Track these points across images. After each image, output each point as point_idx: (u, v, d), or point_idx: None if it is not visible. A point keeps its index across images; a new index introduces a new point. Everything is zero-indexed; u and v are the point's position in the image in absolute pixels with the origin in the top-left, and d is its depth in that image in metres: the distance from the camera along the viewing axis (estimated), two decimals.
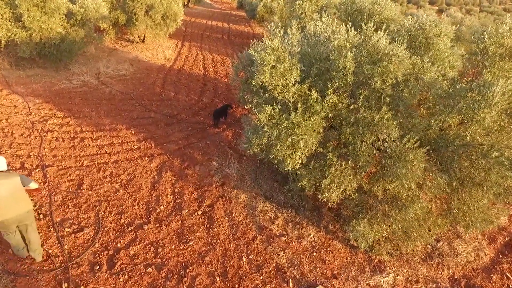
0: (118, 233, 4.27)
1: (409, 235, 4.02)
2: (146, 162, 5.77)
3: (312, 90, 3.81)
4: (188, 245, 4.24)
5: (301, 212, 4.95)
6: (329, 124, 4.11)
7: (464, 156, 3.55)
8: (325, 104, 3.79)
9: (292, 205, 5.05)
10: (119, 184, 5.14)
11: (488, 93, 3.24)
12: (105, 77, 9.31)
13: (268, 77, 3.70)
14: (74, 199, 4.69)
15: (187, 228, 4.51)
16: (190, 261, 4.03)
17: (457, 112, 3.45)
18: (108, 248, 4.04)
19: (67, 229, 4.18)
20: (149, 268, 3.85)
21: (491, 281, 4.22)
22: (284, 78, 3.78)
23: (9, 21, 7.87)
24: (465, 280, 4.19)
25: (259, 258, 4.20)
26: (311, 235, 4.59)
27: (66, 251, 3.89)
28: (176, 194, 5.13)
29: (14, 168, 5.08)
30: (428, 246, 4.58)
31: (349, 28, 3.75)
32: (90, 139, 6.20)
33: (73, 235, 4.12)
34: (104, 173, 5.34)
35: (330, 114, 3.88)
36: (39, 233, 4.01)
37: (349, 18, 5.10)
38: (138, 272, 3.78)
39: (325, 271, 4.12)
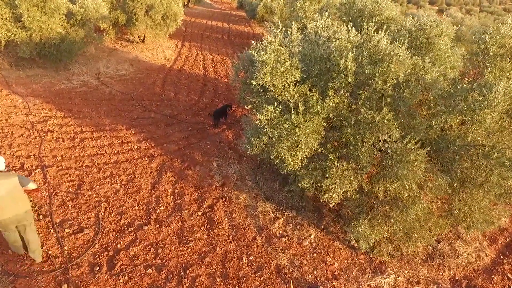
0: (118, 234, 4.26)
1: (410, 236, 4.01)
2: (146, 163, 5.75)
3: (313, 91, 3.80)
4: (188, 246, 4.23)
5: (301, 212, 4.94)
6: (329, 124, 4.10)
7: (465, 157, 3.54)
8: (325, 104, 3.77)
9: (293, 205, 5.04)
10: (119, 184, 5.13)
11: (489, 93, 3.22)
12: (105, 77, 9.30)
13: (268, 78, 3.68)
14: (74, 200, 4.68)
15: (187, 228, 4.50)
16: (191, 262, 4.02)
17: (458, 113, 3.44)
18: (108, 249, 4.02)
19: (67, 230, 4.17)
20: (149, 269, 3.84)
21: (492, 282, 4.21)
22: (285, 79, 3.77)
23: (9, 21, 7.86)
24: (466, 281, 4.18)
25: (260, 259, 4.18)
26: (312, 236, 4.58)
27: (66, 252, 3.88)
28: (176, 194, 5.12)
29: (14, 168, 5.07)
30: (429, 247, 4.57)
31: (350, 28, 3.74)
32: (90, 139, 6.18)
33: (73, 236, 4.10)
34: (104, 173, 5.33)
35: (330, 115, 3.87)
36: (38, 234, 4.00)
37: (350, 18, 5.08)
38: (138, 273, 3.77)
39: (325, 272, 4.11)
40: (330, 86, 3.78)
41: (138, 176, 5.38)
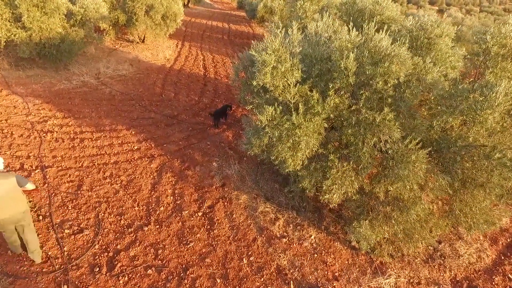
0: (118, 234, 4.24)
1: (411, 236, 4.00)
2: (146, 163, 5.74)
3: (313, 91, 3.79)
4: (188, 246, 4.22)
5: (302, 213, 4.92)
6: (330, 125, 4.09)
7: (466, 157, 3.53)
8: (326, 105, 3.76)
9: (293, 206, 5.03)
10: (119, 185, 5.12)
11: (490, 94, 3.21)
12: (105, 77, 9.29)
13: (269, 78, 3.67)
14: (74, 200, 4.66)
15: (188, 229, 4.49)
16: (191, 262, 4.01)
17: (459, 113, 3.43)
18: (108, 249, 4.01)
19: (66, 231, 4.16)
20: (149, 270, 3.83)
21: (493, 283, 4.19)
22: (285, 79, 3.76)
23: (9, 21, 7.85)
24: (467, 282, 4.17)
25: (260, 259, 4.17)
26: (312, 237, 4.57)
27: (65, 253, 3.87)
28: (176, 195, 5.11)
29: (13, 169, 5.06)
30: (429, 247, 4.55)
31: (350, 28, 3.73)
32: (90, 139, 6.17)
33: (72, 237, 4.09)
34: (104, 174, 5.31)
35: (331, 115, 3.86)
36: (38, 234, 3.99)
37: (350, 18, 5.07)
38: (138, 274, 3.76)
39: (326, 272, 4.10)
40: (330, 87, 3.76)
41: (138, 177, 5.37)
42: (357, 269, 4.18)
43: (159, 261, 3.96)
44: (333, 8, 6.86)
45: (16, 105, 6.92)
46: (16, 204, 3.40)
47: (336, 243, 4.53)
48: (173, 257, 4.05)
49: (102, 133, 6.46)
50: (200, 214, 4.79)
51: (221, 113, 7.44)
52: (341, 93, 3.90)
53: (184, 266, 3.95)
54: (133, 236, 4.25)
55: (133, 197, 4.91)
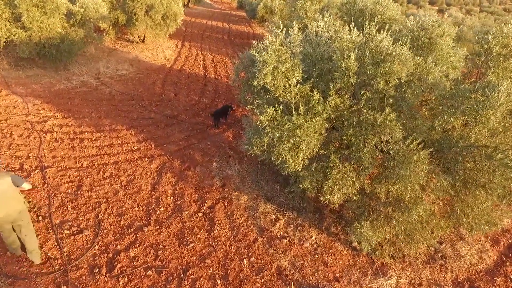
0: (117, 235, 4.22)
1: (412, 237, 3.98)
2: (146, 163, 5.72)
3: (314, 91, 3.77)
4: (188, 247, 4.20)
5: (302, 214, 4.90)
6: (331, 125, 4.07)
7: (468, 158, 3.51)
8: (327, 105, 3.74)
9: (294, 206, 5.01)
10: (119, 185, 5.10)
11: (492, 94, 3.19)
12: (105, 77, 9.27)
13: (269, 78, 3.65)
14: (74, 201, 4.64)
15: (188, 230, 4.47)
16: (191, 263, 3.99)
17: (461, 113, 3.41)
18: (108, 250, 3.99)
19: (66, 231, 4.14)
20: (149, 271, 3.81)
21: (495, 284, 4.17)
22: (286, 79, 3.74)
23: (9, 21, 7.83)
24: (468, 283, 4.15)
25: (260, 260, 4.15)
26: (313, 237, 4.55)
27: (65, 254, 3.85)
28: (177, 195, 5.09)
29: (13, 169, 5.04)
30: (431, 248, 4.54)
31: (351, 28, 3.71)
32: (89, 140, 6.15)
33: (72, 237, 4.07)
34: (104, 174, 5.29)
35: (332, 115, 3.84)
36: (37, 235, 3.97)
37: (351, 18, 5.05)
38: (138, 275, 3.74)
39: (327, 273, 4.08)
40: (331, 87, 3.74)
41: (138, 177, 5.35)
42: (358, 270, 4.16)
43: (159, 262, 3.95)
44: (333, 8, 6.85)
45: (16, 105, 6.90)
46: (11, 204, 3.38)
47: (337, 244, 4.51)
48: (173, 258, 4.03)
49: (102, 133, 6.44)
50: (200, 214, 4.77)
51: (221, 113, 7.42)
52: (342, 93, 3.88)
53: (184, 267, 3.93)
54: (133, 236, 4.23)
55: (133, 198, 4.89)
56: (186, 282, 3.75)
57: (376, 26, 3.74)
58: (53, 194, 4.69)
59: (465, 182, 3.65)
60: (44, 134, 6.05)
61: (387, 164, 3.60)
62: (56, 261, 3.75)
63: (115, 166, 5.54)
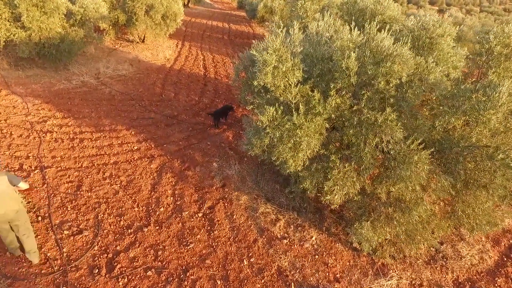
0: (117, 235, 4.21)
1: (413, 237, 3.96)
2: (146, 163, 5.71)
3: (315, 91, 3.76)
4: (188, 248, 4.18)
5: (303, 214, 4.89)
6: (331, 125, 4.06)
7: (469, 158, 3.50)
8: (327, 105, 3.73)
9: (294, 207, 5.00)
10: (118, 185, 5.09)
11: (493, 94, 3.18)
12: (105, 77, 9.26)
13: (270, 78, 3.64)
14: (73, 201, 4.63)
15: (188, 230, 4.45)
16: (191, 264, 3.97)
17: (462, 113, 3.40)
18: (108, 251, 3.98)
19: (66, 232, 4.13)
20: (149, 272, 3.79)
21: (496, 285, 4.16)
22: (286, 79, 3.73)
23: (8, 21, 7.82)
24: (469, 283, 4.14)
25: (261, 261, 4.14)
26: (313, 238, 4.53)
27: (64, 254, 3.83)
28: (177, 196, 5.07)
29: (12, 169, 5.02)
30: (431, 249, 4.52)
31: (352, 28, 3.70)
32: (89, 140, 6.14)
33: (72, 238, 4.06)
34: (104, 174, 5.28)
35: (332, 115, 3.82)
36: (37, 235, 3.96)
37: (352, 18, 5.04)
38: (138, 276, 3.73)
39: (327, 274, 4.06)
40: (332, 87, 3.73)
41: (138, 177, 5.34)
42: (359, 271, 4.14)
43: (159, 263, 3.93)
44: (334, 7, 6.83)
45: (16, 105, 6.89)
46: (8, 203, 3.36)
47: (338, 244, 4.50)
48: (173, 258, 4.02)
49: (101, 133, 6.43)
50: (200, 215, 4.75)
51: (221, 113, 7.40)
52: (343, 93, 3.86)
53: (184, 268, 3.91)
54: (132, 237, 4.22)
55: (133, 198, 4.88)
56: (186, 282, 3.74)
57: (376, 26, 3.73)
58: (52, 194, 4.68)
59: (466, 182, 3.64)
60: (43, 134, 6.03)
61: (388, 164, 3.58)
62: (55, 261, 3.74)
63: (115, 166, 5.53)
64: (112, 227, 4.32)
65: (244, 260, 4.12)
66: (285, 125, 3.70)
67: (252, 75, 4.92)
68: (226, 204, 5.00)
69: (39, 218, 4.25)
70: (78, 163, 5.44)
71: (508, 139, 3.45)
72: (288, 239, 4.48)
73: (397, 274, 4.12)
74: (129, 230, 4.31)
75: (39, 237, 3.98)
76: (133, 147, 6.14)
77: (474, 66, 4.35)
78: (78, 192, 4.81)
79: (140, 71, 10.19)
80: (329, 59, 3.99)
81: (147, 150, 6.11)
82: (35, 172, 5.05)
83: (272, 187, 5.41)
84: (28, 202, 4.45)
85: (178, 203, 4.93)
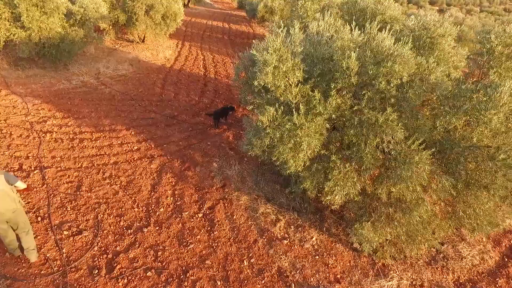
0: (117, 236, 4.20)
1: (414, 238, 3.95)
2: (146, 164, 5.70)
3: (315, 91, 3.74)
4: (188, 248, 4.17)
5: (303, 214, 4.88)
6: (332, 125, 4.05)
7: (470, 158, 3.48)
8: (328, 105, 3.71)
9: (294, 207, 4.98)
10: (118, 186, 5.08)
11: (495, 94, 3.17)
12: (105, 77, 9.25)
13: (270, 78, 3.63)
14: (73, 201, 4.62)
15: (188, 231, 4.44)
16: (191, 264, 3.96)
17: (463, 113, 3.38)
18: (107, 251, 3.97)
19: (65, 232, 4.11)
20: (149, 272, 3.78)
21: (497, 285, 4.15)
22: (287, 79, 3.71)
23: (8, 21, 7.81)
24: (470, 284, 4.12)
25: (261, 261, 4.13)
26: (314, 238, 4.52)
27: (64, 255, 3.82)
28: (176, 196, 5.06)
29: (12, 169, 5.01)
30: (432, 249, 4.51)
31: (352, 27, 3.68)
32: (89, 140, 6.13)
33: (71, 238, 4.05)
34: (104, 174, 5.27)
35: (333, 116, 3.81)
36: (36, 236, 3.95)
37: (352, 17, 5.03)
38: (138, 276, 3.71)
39: (328, 275, 4.05)
40: (332, 87, 3.72)
41: (137, 177, 5.32)
42: (359, 271, 4.13)
43: (159, 263, 3.92)
44: (334, 7, 6.82)
45: (15, 105, 6.88)
46: (5, 202, 3.32)
47: (338, 245, 4.48)
48: (173, 259, 4.01)
49: (101, 133, 6.42)
50: (200, 215, 4.74)
51: (221, 113, 7.39)
52: (343, 93, 3.85)
53: (184, 268, 3.90)
54: (132, 237, 4.21)
55: (133, 198, 4.87)
56: (186, 283, 3.72)
57: (377, 25, 3.72)
58: (52, 195, 4.67)
59: (467, 182, 3.62)
60: (43, 134, 6.02)
61: (389, 164, 3.57)
62: (55, 262, 3.72)
63: (114, 166, 5.51)
64: (112, 227, 4.31)
65: (245, 260, 4.11)
66: (286, 125, 3.69)
67: (252, 75, 4.91)
68: (226, 205, 4.99)
69: (39, 219, 4.24)
70: (78, 163, 5.42)
71: (509, 139, 3.43)
72: (288, 239, 4.47)
73: (397, 274, 4.11)
74: (129, 231, 4.30)
75: (38, 237, 3.96)
76: (133, 147, 6.13)
77: (475, 66, 4.33)
78: (78, 193, 4.80)
79: (140, 71, 10.18)
80: (329, 59, 3.98)
81: (147, 150, 6.10)
82: (35, 172, 5.04)
83: (272, 187, 5.40)
84: (28, 203, 4.43)
85: (178, 203, 4.91)
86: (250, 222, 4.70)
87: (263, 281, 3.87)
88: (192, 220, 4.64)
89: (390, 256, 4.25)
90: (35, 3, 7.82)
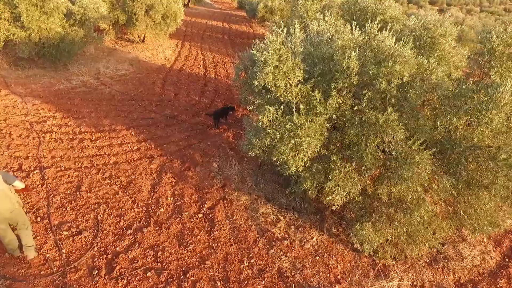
0: (117, 236, 4.19)
1: (414, 238, 3.94)
2: (146, 164, 5.69)
3: (315, 91, 3.73)
4: (188, 248, 4.16)
5: (303, 214, 4.87)
6: (332, 125, 4.03)
7: (471, 158, 3.47)
8: (328, 105, 3.70)
9: (294, 207, 4.97)
10: (118, 186, 5.06)
11: (496, 94, 3.16)
12: (105, 77, 9.24)
13: (270, 78, 3.62)
14: (73, 202, 4.61)
15: (188, 231, 4.43)
16: (191, 265, 3.95)
17: (464, 113, 3.37)
18: (107, 252, 3.95)
19: (65, 233, 4.10)
20: (149, 273, 3.77)
21: (498, 286, 4.14)
22: (287, 79, 3.70)
23: (8, 20, 7.80)
24: (471, 284, 4.11)
25: (261, 262, 4.11)
26: (314, 239, 4.51)
27: (64, 255, 3.81)
28: (176, 196, 5.05)
29: (11, 169, 5.00)
30: (433, 249, 4.49)
31: (353, 27, 3.67)
32: (89, 140, 6.12)
33: (71, 239, 4.03)
34: (103, 174, 5.26)
35: (333, 116, 3.80)
36: (36, 236, 3.94)
37: (353, 17, 5.02)
38: (138, 277, 3.70)
39: (328, 275, 4.04)
40: (333, 86, 3.71)
41: (137, 177, 5.31)
42: (360, 272, 4.12)
43: (159, 264, 3.91)
44: (334, 7, 6.81)
45: (15, 105, 6.86)
46: (3, 202, 3.31)
47: (338, 245, 4.47)
48: (173, 259, 3.99)
49: (101, 133, 6.40)
50: (200, 215, 4.73)
51: (220, 113, 7.38)
52: (344, 93, 3.84)
53: (184, 269, 3.89)
54: (132, 238, 4.19)
55: (133, 198, 4.85)
56: (186, 284, 3.71)
57: (378, 25, 3.70)
58: (52, 195, 4.65)
59: (468, 183, 3.61)
60: (43, 134, 6.01)
61: (389, 164, 3.56)
62: (54, 262, 3.71)
63: (114, 166, 5.50)
64: (111, 227, 4.30)
65: (245, 261, 4.10)
66: (286, 126, 3.67)
67: (252, 75, 4.90)
68: (226, 205, 4.98)
69: (38, 219, 4.23)
70: (78, 164, 5.41)
71: (510, 140, 3.42)
72: (288, 240, 4.46)
73: (398, 275, 4.09)
74: (129, 231, 4.29)
75: (38, 238, 3.95)
76: (133, 147, 6.11)
77: (476, 66, 4.32)
78: (78, 193, 4.78)
79: (140, 71, 10.17)
80: (330, 59, 3.97)
81: (147, 150, 6.09)
82: (35, 172, 5.03)
83: (272, 187, 5.39)
84: (27, 203, 4.42)
85: (178, 203, 4.90)
86: (250, 223, 4.69)
87: (263, 282, 3.86)
88: (192, 220, 4.63)
89: (390, 256, 4.24)
90: (35, 3, 7.81)
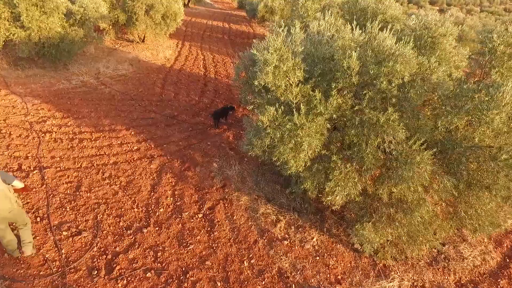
0: (117, 236, 4.18)
1: (415, 239, 3.93)
2: (146, 164, 5.67)
3: (316, 91, 3.72)
4: (188, 249, 4.15)
5: (303, 215, 4.85)
6: (333, 125, 4.02)
7: (472, 159, 3.46)
8: (329, 105, 3.69)
9: (295, 207, 4.96)
10: (118, 186, 5.05)
11: (497, 93, 3.15)
12: (105, 77, 9.23)
13: (271, 77, 3.61)
14: (72, 202, 4.60)
15: (188, 231, 4.42)
16: (191, 265, 3.94)
17: (465, 113, 3.36)
18: (107, 252, 3.94)
19: (64, 233, 4.09)
20: (149, 273, 3.76)
21: (499, 286, 4.12)
22: (287, 78, 3.69)
23: (8, 20, 7.79)
24: (472, 285, 4.10)
25: (261, 262, 4.10)
26: (314, 239, 4.50)
27: (63, 256, 3.80)
28: (176, 196, 5.04)
29: (11, 169, 4.99)
30: (433, 250, 4.48)
31: (354, 27, 3.66)
32: (89, 140, 6.10)
33: (70, 239, 4.02)
34: (103, 175, 5.25)
35: (334, 115, 3.79)
36: (36, 236, 3.93)
37: (353, 17, 5.01)
38: (137, 277, 3.69)
39: (328, 276, 4.03)
40: (333, 86, 3.70)
41: (137, 178, 5.30)
42: (360, 272, 4.11)
43: (159, 264, 3.90)
44: (335, 7, 6.80)
45: (15, 105, 6.85)
46: (2, 202, 3.29)
47: (339, 245, 4.46)
48: (173, 259, 3.98)
49: (101, 133, 6.39)
50: (200, 215, 4.72)
51: (221, 113, 7.37)
52: (344, 93, 3.83)
53: (184, 269, 3.88)
54: (132, 238, 4.18)
55: (133, 199, 4.84)
56: (186, 284, 3.70)
57: (378, 25, 3.69)
58: (51, 195, 4.64)
59: (469, 183, 3.60)
60: (43, 134, 6.00)
61: (390, 164, 3.55)
62: (54, 263, 3.70)
63: (114, 166, 5.49)
64: (111, 228, 4.29)
65: (245, 261, 4.09)
66: (286, 125, 3.66)
67: (252, 75, 4.89)
68: (226, 205, 4.97)
69: (38, 219, 4.21)
70: (78, 164, 5.40)
71: (511, 140, 3.41)
72: (288, 240, 4.45)
73: (398, 275, 4.08)
74: (129, 231, 4.27)
75: (37, 238, 3.94)
76: (132, 147, 6.10)
77: (477, 65, 4.31)
78: (77, 193, 4.77)
79: (140, 71, 10.16)
80: (330, 59, 3.96)
81: (147, 150, 6.08)
82: (34, 172, 5.02)
83: (272, 187, 5.38)
84: (27, 203, 4.41)
85: (178, 203, 4.89)
86: (250, 223, 4.68)
87: (263, 282, 3.85)
88: (192, 220, 4.61)
89: (391, 257, 4.23)
90: (35, 2, 7.80)
